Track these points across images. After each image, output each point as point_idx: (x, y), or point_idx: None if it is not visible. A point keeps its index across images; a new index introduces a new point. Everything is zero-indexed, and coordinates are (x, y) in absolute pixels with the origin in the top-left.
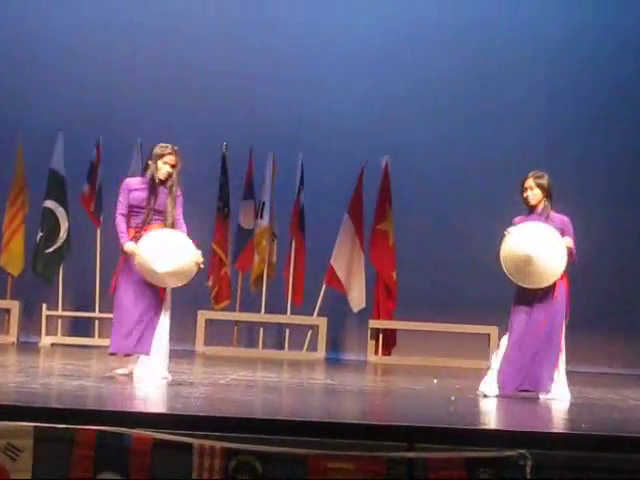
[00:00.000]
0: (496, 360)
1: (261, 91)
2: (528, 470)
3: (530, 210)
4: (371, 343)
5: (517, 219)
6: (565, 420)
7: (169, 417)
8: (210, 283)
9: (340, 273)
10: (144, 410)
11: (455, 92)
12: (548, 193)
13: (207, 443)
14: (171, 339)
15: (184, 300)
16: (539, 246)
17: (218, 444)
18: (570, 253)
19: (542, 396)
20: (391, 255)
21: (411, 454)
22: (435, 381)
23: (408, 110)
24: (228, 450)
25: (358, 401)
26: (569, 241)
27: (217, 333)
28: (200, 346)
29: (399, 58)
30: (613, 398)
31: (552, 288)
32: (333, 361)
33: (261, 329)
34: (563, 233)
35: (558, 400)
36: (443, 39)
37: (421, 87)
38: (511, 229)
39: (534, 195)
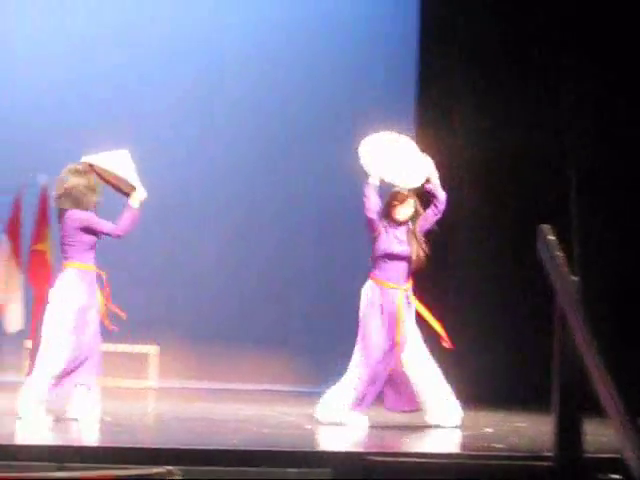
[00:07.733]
0: None
1: None
2: None
3: None
4: (26, 364)
5: None
6: (213, 435)
7: None
8: None
9: None
10: None
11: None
12: None
13: None
14: None
15: None
16: None
17: None
18: None
19: None
20: (49, 275)
21: (61, 474)
22: None
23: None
24: None
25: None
26: None
27: None
28: None
29: None
30: (264, 414)
31: None
32: None
33: None
34: None
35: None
36: None
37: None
38: None
39: None
